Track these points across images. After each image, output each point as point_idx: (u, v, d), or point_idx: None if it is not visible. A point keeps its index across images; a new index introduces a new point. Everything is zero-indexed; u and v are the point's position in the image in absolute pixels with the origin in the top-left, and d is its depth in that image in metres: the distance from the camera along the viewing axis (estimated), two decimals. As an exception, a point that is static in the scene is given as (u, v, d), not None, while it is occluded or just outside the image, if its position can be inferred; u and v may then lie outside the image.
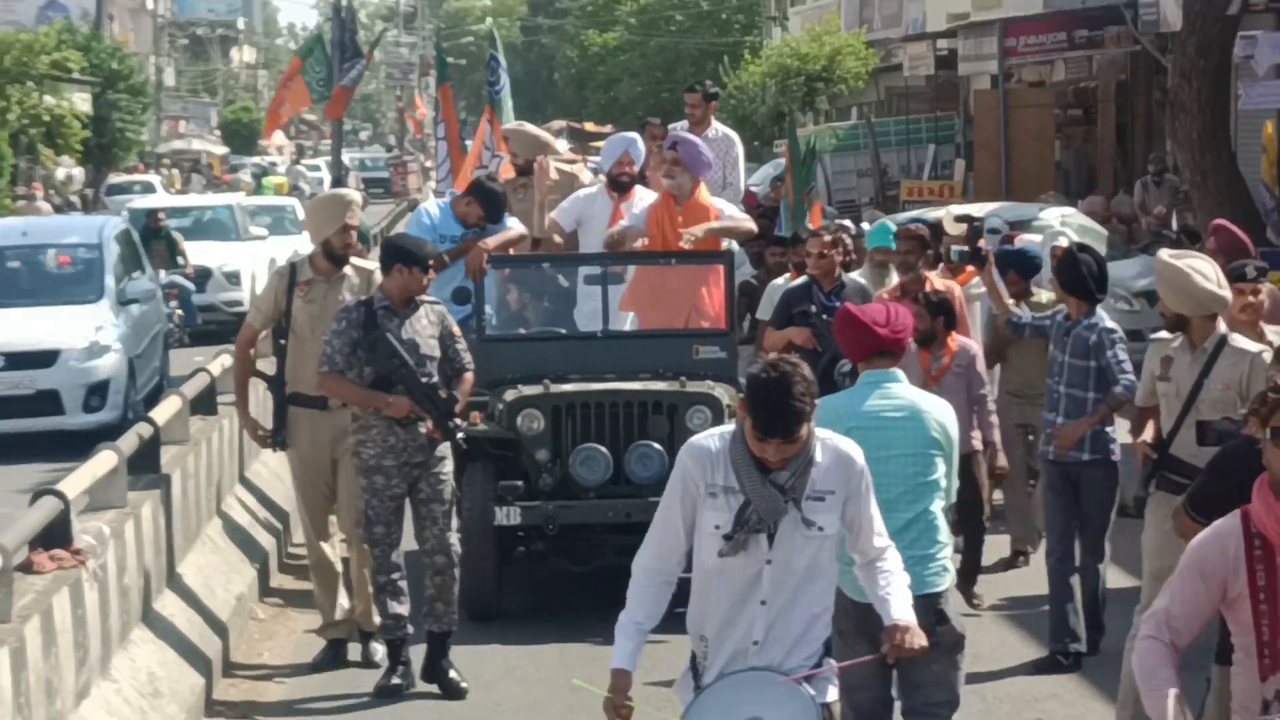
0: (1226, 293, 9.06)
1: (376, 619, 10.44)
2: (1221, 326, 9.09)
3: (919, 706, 7.28)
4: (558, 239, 12.93)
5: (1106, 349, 10.40)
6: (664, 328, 12.25)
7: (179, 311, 24.84)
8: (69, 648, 7.72)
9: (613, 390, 11.52)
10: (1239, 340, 9.06)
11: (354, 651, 10.73)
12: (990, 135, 32.44)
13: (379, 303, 10.00)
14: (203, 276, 28.08)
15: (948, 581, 7.27)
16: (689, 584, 6.03)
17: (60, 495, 8.22)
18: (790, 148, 17.33)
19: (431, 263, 10.16)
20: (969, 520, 11.42)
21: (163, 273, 24.06)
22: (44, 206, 39.81)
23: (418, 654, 10.21)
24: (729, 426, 5.92)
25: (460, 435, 10.11)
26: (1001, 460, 11.38)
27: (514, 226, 12.44)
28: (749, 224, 13.09)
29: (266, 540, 12.65)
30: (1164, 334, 9.37)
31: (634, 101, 61.47)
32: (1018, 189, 29.95)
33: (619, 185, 12.91)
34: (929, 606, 6.90)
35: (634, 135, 13.79)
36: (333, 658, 10.68)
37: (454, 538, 10.11)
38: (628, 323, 12.53)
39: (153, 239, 25.94)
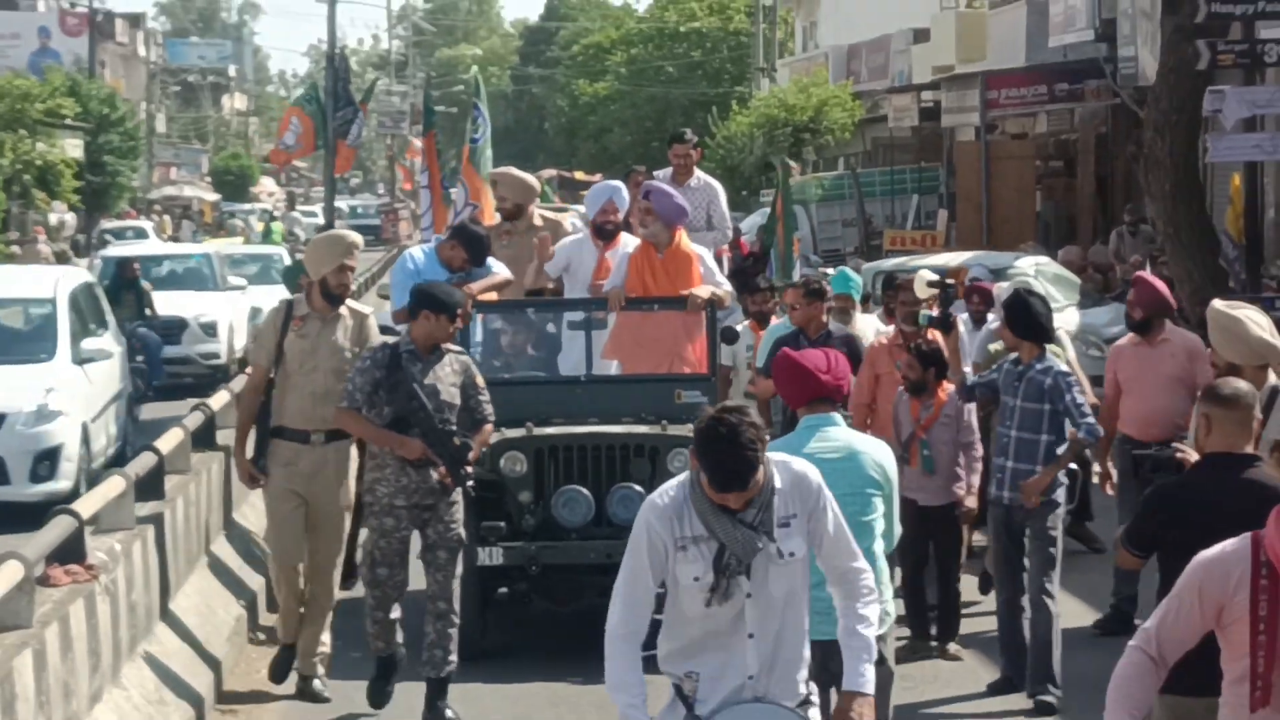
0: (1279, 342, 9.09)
1: (320, 668, 10.84)
2: (1274, 377, 9.10)
3: None
4: (551, 287, 13.06)
5: (1065, 392, 10.59)
6: (646, 372, 12.38)
7: (143, 368, 22.87)
8: (84, 654, 8.24)
9: (595, 433, 11.67)
10: None
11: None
12: (972, 186, 32.91)
13: (404, 346, 10.19)
14: (178, 328, 26.78)
15: (887, 625, 7.44)
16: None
17: (75, 514, 8.75)
18: (783, 197, 17.69)
19: (460, 312, 10.35)
20: (946, 572, 11.63)
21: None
22: (44, 250, 40.03)
23: (409, 691, 10.47)
24: (682, 477, 5.94)
25: (470, 483, 10.31)
26: (971, 503, 11.60)
27: (499, 271, 12.59)
28: (729, 296, 13.24)
29: (256, 580, 12.88)
30: None
31: (624, 151, 61.99)
32: (998, 239, 30.38)
33: (604, 233, 13.11)
34: None
35: (618, 184, 14.03)
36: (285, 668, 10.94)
37: (455, 585, 10.28)
38: (611, 368, 12.65)
39: (124, 290, 24.85)
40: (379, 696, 10.53)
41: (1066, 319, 18.35)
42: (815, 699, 6.01)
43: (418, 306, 10.24)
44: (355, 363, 10.43)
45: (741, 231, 25.76)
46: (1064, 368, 10.82)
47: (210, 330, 27.53)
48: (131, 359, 21.37)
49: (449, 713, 10.27)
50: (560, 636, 12.05)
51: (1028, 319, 10.75)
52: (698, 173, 15.17)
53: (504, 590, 11.83)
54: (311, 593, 10.86)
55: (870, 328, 14.37)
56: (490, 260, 12.55)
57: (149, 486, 10.68)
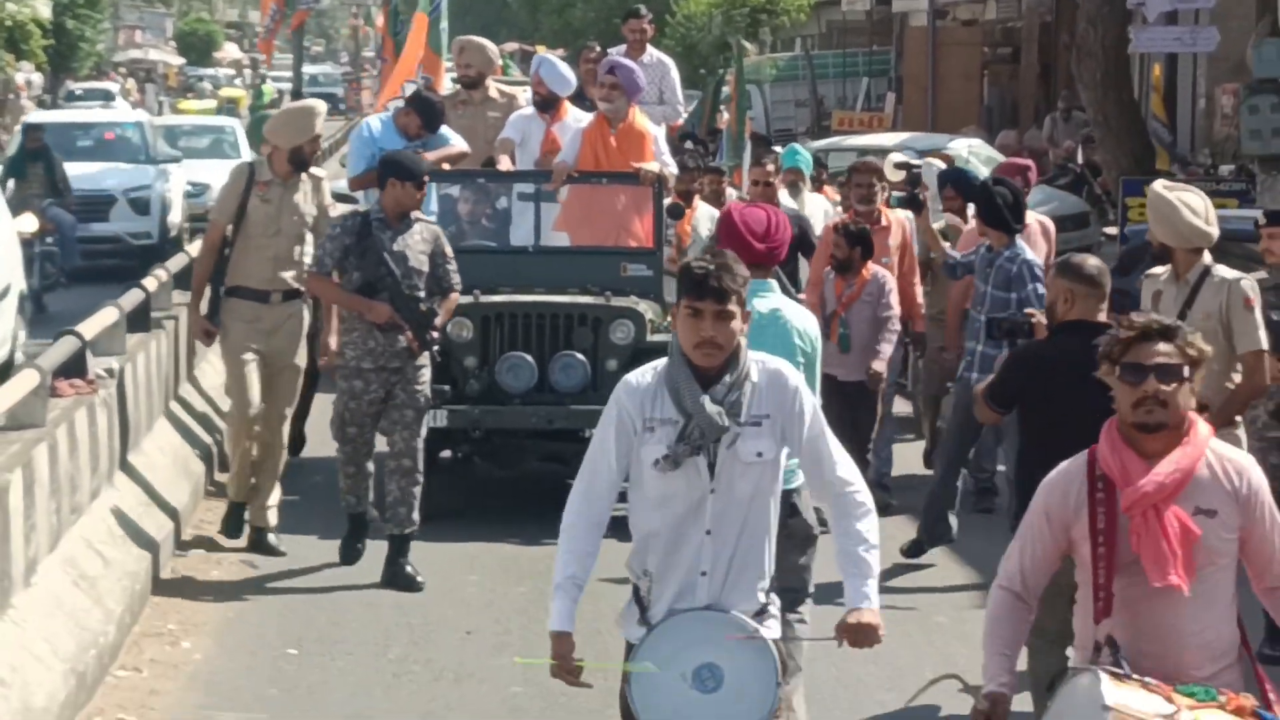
0: (1213, 229, 9.11)
1: (272, 519, 11.08)
2: (1206, 258, 9.16)
3: None
4: (506, 159, 12.99)
5: (1027, 282, 10.75)
6: (594, 245, 12.57)
7: (54, 250, 20.63)
8: (86, 456, 9.45)
9: (540, 302, 11.94)
10: (1221, 270, 9.19)
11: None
12: (919, 71, 33.91)
13: (374, 214, 10.45)
14: (105, 204, 24.05)
15: (799, 479, 7.41)
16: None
17: (78, 335, 9.93)
18: (736, 78, 18.05)
19: (425, 178, 10.57)
20: (860, 442, 11.71)
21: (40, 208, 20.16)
22: (28, 105, 40.40)
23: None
24: (662, 361, 5.80)
25: (435, 348, 10.60)
26: (878, 367, 11.83)
27: (455, 142, 12.86)
28: (673, 177, 13.22)
29: (212, 436, 13.23)
30: (1156, 269, 9.58)
31: (587, 26, 62.13)
32: (943, 123, 31.35)
33: (542, 105, 13.35)
34: (783, 501, 6.66)
35: (545, 55, 14.39)
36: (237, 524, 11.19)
37: (420, 444, 10.57)
38: (561, 240, 12.82)
39: (29, 162, 21.87)
40: (350, 553, 10.78)
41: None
42: (775, 610, 5.86)
43: (384, 174, 10.51)
44: (323, 228, 10.82)
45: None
46: (1031, 256, 10.94)
47: (141, 207, 24.64)
48: (42, 241, 19.71)
49: (408, 568, 10.55)
50: (502, 499, 12.45)
51: (992, 208, 10.95)
52: (651, 49, 15.37)
53: (447, 453, 12.12)
54: (265, 445, 11.11)
55: (819, 207, 14.83)
56: (446, 130, 12.86)
57: (138, 318, 11.74)
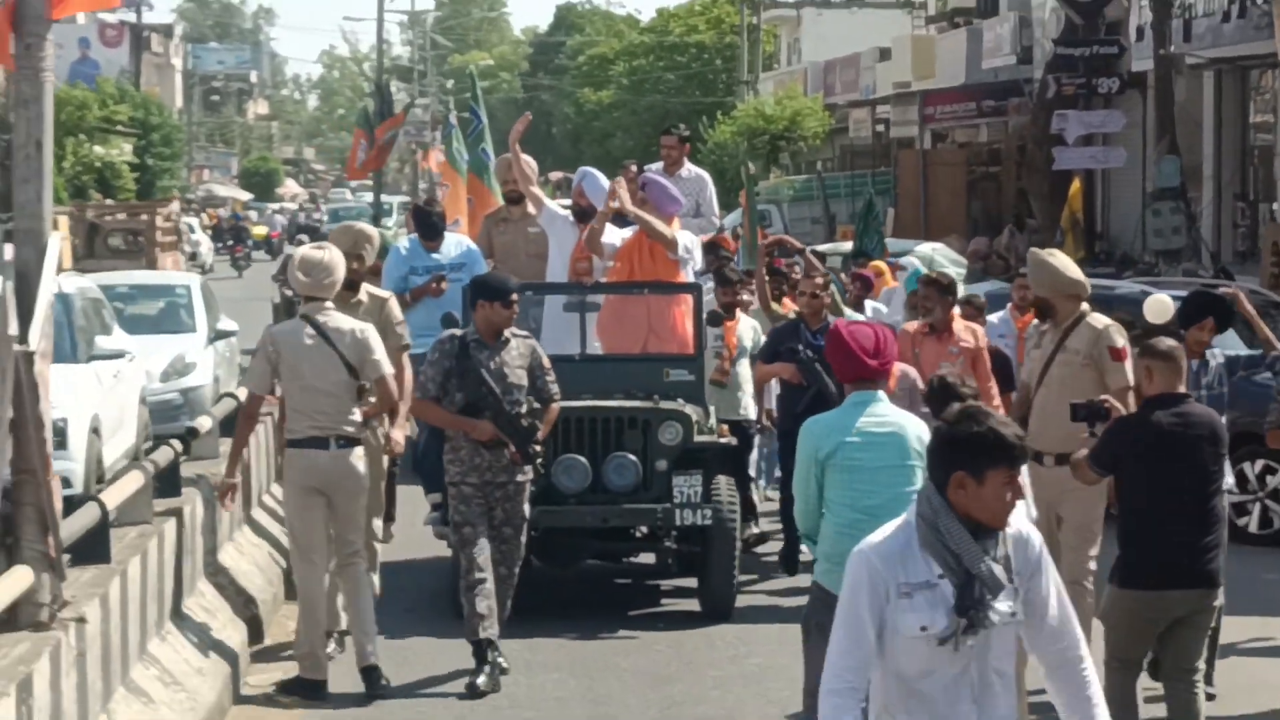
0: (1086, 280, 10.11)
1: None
2: (1084, 306, 9.93)
3: None
4: (598, 260, 13.55)
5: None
6: (636, 352, 12.92)
7: None
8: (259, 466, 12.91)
9: (593, 407, 12.15)
10: (1094, 318, 9.96)
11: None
12: (911, 188, 38.30)
13: (470, 336, 10.68)
14: None
15: None
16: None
17: (233, 396, 13.19)
18: (748, 195, 19.24)
19: (514, 296, 10.71)
20: None
21: None
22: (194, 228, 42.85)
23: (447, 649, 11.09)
24: (900, 521, 5.32)
25: (539, 460, 10.80)
26: None
27: (480, 265, 13.62)
28: (673, 237, 13.33)
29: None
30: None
31: (626, 154, 65.04)
32: (933, 232, 35.36)
33: (579, 214, 14.08)
34: None
35: (588, 169, 15.08)
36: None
37: (518, 558, 10.89)
38: (601, 347, 13.23)
39: None
40: (473, 689, 10.45)
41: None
42: None
43: (475, 296, 10.77)
44: (394, 342, 10.97)
45: (724, 227, 30.10)
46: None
47: (58, 437, 13.64)
48: None
49: (501, 659, 10.63)
50: (562, 597, 12.83)
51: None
52: (688, 164, 15.92)
53: None
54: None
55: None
56: (469, 245, 13.88)
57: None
